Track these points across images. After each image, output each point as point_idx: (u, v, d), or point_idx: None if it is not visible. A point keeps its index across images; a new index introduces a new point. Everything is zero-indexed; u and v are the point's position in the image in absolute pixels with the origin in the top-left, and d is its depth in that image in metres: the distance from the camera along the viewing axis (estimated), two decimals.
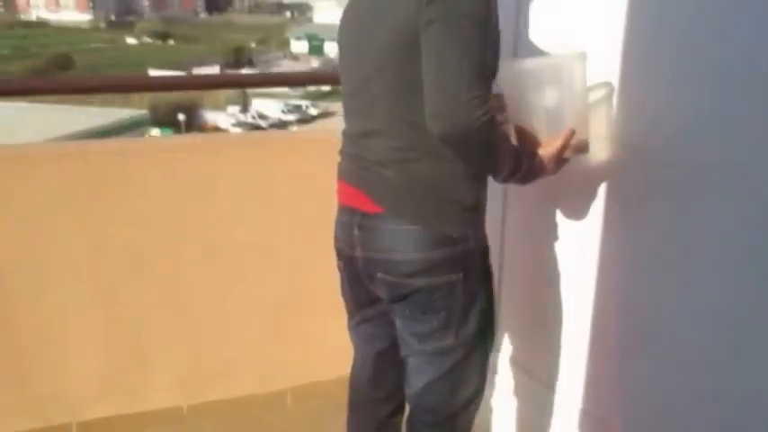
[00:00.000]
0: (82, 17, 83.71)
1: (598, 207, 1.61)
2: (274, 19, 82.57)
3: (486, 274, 1.49)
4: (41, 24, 78.95)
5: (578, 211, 1.66)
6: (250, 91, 44.49)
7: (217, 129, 36.09)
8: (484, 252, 1.47)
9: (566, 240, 1.73)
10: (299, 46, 57.74)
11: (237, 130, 35.81)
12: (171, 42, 67.63)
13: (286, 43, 60.60)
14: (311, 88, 45.65)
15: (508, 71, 1.44)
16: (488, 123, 1.24)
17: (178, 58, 53.71)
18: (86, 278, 2.10)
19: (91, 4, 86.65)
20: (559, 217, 1.74)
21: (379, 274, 1.43)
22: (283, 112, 38.58)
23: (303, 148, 2.35)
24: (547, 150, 1.43)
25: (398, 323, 1.51)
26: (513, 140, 1.46)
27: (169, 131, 34.17)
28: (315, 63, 52.50)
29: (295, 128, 36.00)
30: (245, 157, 2.25)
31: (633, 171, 1.51)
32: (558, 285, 1.76)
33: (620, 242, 1.56)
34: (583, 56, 1.45)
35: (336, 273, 1.60)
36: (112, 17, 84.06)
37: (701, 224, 1.34)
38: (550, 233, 1.75)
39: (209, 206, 2.19)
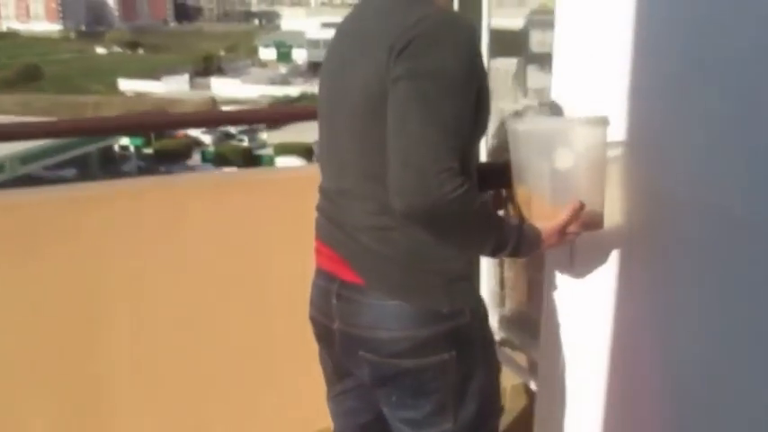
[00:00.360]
0: (52, 27, 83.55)
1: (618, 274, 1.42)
2: (243, 27, 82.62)
3: (485, 345, 1.33)
4: (11, 35, 78.61)
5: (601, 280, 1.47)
6: (218, 97, 45.14)
7: (186, 136, 36.63)
8: (482, 321, 1.31)
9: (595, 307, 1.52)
10: (268, 53, 58.17)
11: (208, 136, 36.41)
12: (141, 52, 68.03)
13: (254, 51, 61.03)
14: (279, 94, 46.39)
15: (512, 132, 1.32)
16: (460, 199, 1.09)
17: (148, 68, 54.22)
18: (36, 337, 1.90)
19: (61, 15, 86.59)
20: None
21: (361, 353, 1.27)
22: None
23: (282, 188, 2.17)
24: (549, 224, 1.25)
25: (385, 410, 1.34)
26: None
27: (138, 141, 34.75)
28: (283, 69, 53.14)
29: (265, 135, 36.62)
30: (214, 201, 2.08)
31: (666, 225, 1.30)
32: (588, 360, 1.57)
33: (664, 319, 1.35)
34: (603, 121, 1.27)
35: None
36: (83, 27, 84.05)
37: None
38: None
39: (173, 258, 2.01)
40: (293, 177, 2.45)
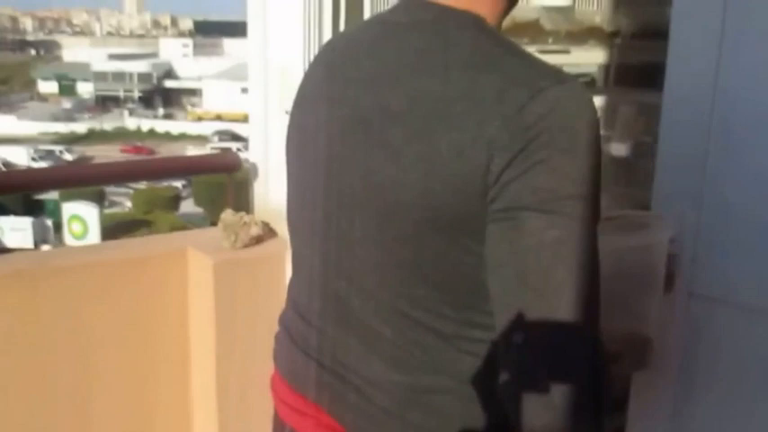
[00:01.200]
0: None
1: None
2: (17, 57, 76.02)
3: None
4: None
5: None
6: None
7: None
8: None
9: None
10: (48, 86, 53.70)
11: None
12: None
13: (32, 83, 56.01)
14: (64, 130, 42.63)
15: None
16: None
17: None
18: None
19: None
20: None
21: None
22: (33, 159, 35.29)
23: (132, 277, 1.62)
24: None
25: None
26: None
27: None
28: (67, 104, 49.13)
29: None
30: (35, 297, 1.61)
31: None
32: None
33: None
34: (664, 225, 1.05)
35: None
36: None
37: None
38: None
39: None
40: (145, 258, 1.66)
